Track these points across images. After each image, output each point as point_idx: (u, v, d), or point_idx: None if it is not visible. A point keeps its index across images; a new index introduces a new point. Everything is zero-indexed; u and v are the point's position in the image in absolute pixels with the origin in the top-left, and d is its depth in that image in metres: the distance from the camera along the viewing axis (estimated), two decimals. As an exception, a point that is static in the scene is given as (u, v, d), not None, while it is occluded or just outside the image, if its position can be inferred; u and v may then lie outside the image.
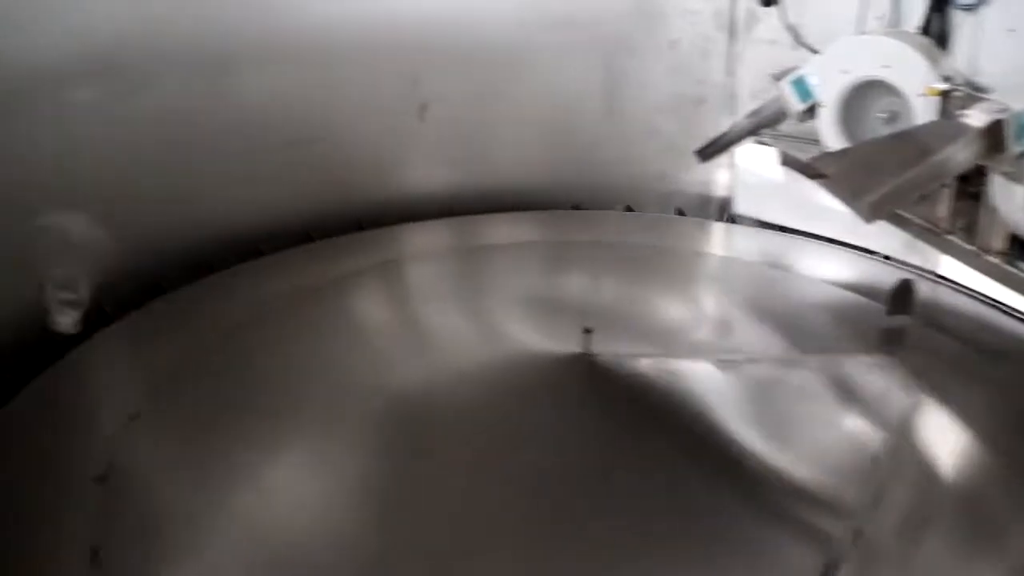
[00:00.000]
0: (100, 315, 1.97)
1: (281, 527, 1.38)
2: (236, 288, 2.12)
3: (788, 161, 2.33)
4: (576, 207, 2.63)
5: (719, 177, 2.58)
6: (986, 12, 1.97)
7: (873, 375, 1.75)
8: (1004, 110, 1.48)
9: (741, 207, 2.52)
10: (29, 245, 1.88)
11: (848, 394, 1.72)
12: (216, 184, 2.27)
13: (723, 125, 2.37)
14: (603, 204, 2.65)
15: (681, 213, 2.63)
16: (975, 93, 1.72)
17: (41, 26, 1.90)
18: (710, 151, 2.29)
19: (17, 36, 1.86)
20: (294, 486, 1.48)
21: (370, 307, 2.13)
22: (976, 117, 1.50)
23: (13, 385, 1.69)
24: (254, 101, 2.29)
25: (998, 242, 1.62)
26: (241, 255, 2.27)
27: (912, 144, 1.54)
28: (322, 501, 1.45)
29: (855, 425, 1.64)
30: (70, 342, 1.86)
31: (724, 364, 1.81)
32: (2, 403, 1.64)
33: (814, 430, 1.64)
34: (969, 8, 1.98)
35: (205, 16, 2.19)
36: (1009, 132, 1.44)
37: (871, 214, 1.46)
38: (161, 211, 2.17)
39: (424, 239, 2.42)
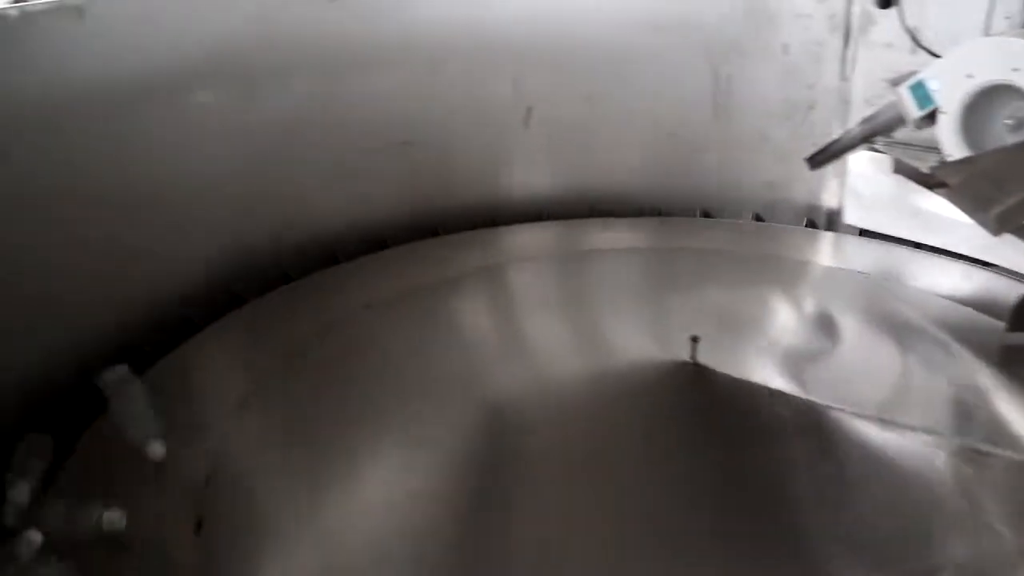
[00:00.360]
0: (232, 299, 2.07)
1: (369, 528, 1.39)
2: (338, 286, 2.16)
3: (902, 169, 2.25)
4: (705, 214, 2.59)
5: (830, 185, 2.50)
6: None
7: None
8: None
9: (852, 217, 2.43)
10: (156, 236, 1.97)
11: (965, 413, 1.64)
12: (324, 184, 2.33)
13: (835, 132, 2.30)
14: (712, 211, 2.60)
15: (792, 222, 2.56)
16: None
17: (172, 29, 1.99)
18: (821, 158, 2.22)
19: (149, 37, 1.95)
20: (387, 487, 1.49)
21: (472, 309, 2.14)
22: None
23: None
24: (362, 104, 2.34)
25: None
26: (344, 255, 2.32)
27: (1044, 153, 1.46)
28: (414, 504, 1.45)
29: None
30: (191, 328, 1.94)
31: (831, 377, 1.75)
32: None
33: (926, 448, 1.57)
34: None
35: (320, 21, 2.25)
36: None
37: (998, 226, 1.39)
38: (272, 209, 2.25)
39: (528, 242, 2.41)
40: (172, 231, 2.06)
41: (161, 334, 1.95)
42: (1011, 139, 1.78)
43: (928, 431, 1.58)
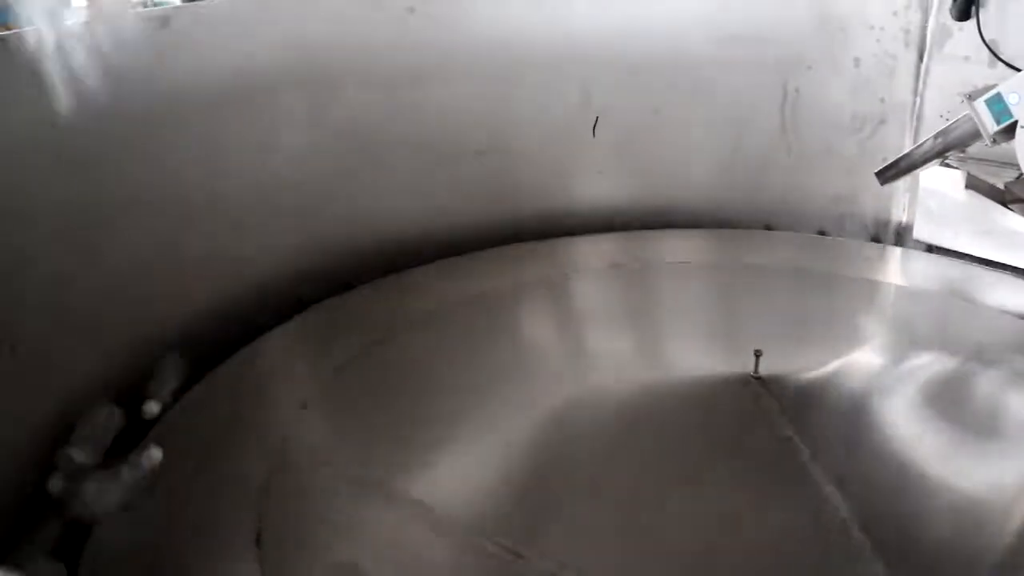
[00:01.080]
0: (297, 303, 2.11)
1: (423, 538, 1.39)
2: (406, 291, 2.19)
3: (976, 184, 2.21)
4: (767, 227, 2.58)
5: (900, 201, 2.46)
6: None
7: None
8: None
9: (922, 232, 2.39)
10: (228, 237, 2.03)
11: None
12: (397, 190, 2.37)
13: (906, 146, 2.28)
14: (778, 224, 2.58)
15: (859, 237, 2.53)
16: None
17: (252, 37, 2.06)
18: (891, 173, 2.19)
19: (230, 45, 2.02)
20: (444, 495, 1.48)
21: (536, 318, 2.15)
22: None
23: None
24: (437, 113, 2.38)
25: None
26: (422, 258, 2.34)
27: None
28: (472, 511, 1.44)
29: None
30: (256, 331, 1.99)
31: (897, 397, 1.72)
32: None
33: (994, 471, 1.54)
34: None
35: (398, 31, 2.30)
36: None
37: (1078, 243, 1.36)
38: (345, 214, 2.30)
39: (593, 252, 2.42)
40: (246, 232, 2.11)
41: (226, 335, 1.98)
42: (1092, 155, 1.74)
43: (999, 454, 1.55)
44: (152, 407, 1.68)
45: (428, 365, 1.88)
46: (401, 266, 2.31)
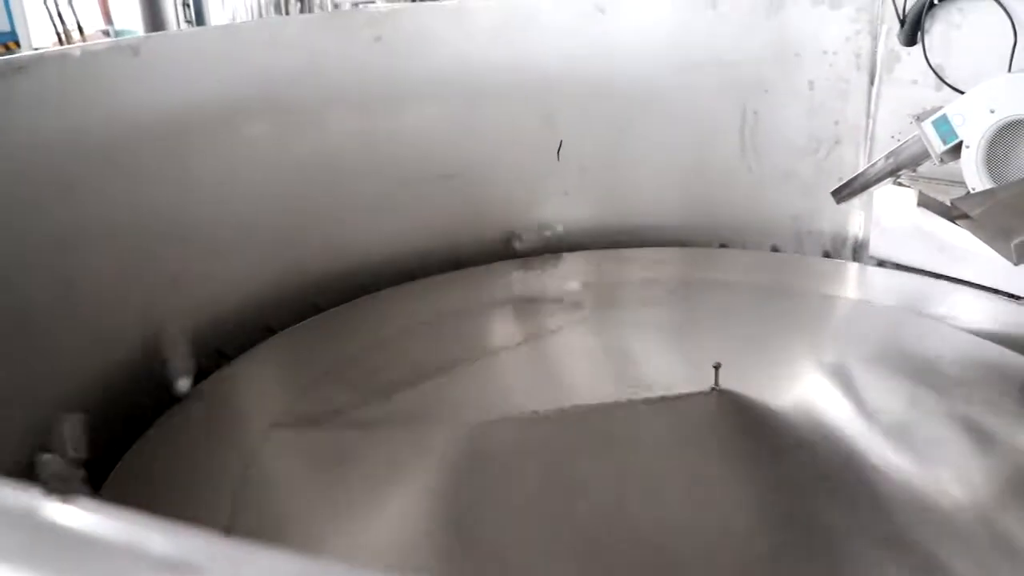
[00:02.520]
0: (265, 331, 2.14)
1: (394, 544, 1.42)
2: (379, 311, 2.23)
3: (926, 202, 2.29)
4: (716, 245, 2.64)
5: (855, 218, 2.54)
6: None
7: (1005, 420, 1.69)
8: None
9: (877, 249, 2.47)
10: (197, 265, 2.05)
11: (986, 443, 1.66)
12: (364, 215, 2.41)
13: (860, 166, 2.35)
14: (737, 243, 2.65)
15: (817, 254, 2.60)
16: None
17: (220, 66, 2.10)
18: (846, 192, 2.27)
19: (198, 74, 2.05)
20: (414, 507, 1.50)
21: (502, 337, 2.19)
22: None
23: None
24: (402, 139, 2.43)
25: None
26: (389, 281, 2.39)
27: (1063, 185, 1.50)
28: (443, 523, 1.46)
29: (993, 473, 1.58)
30: (226, 355, 2.01)
31: (855, 412, 1.77)
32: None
33: (953, 474, 1.59)
34: None
35: (364, 59, 2.35)
36: None
37: (1019, 256, 1.42)
38: (312, 240, 2.33)
39: (559, 272, 2.47)
40: (212, 260, 2.13)
41: (197, 361, 2.00)
42: (1034, 172, 1.83)
43: (946, 461, 1.61)
44: None
45: (400, 379, 1.91)
46: (370, 289, 2.35)
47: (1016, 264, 1.47)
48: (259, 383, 1.99)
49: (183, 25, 8.23)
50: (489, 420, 1.75)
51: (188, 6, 8.19)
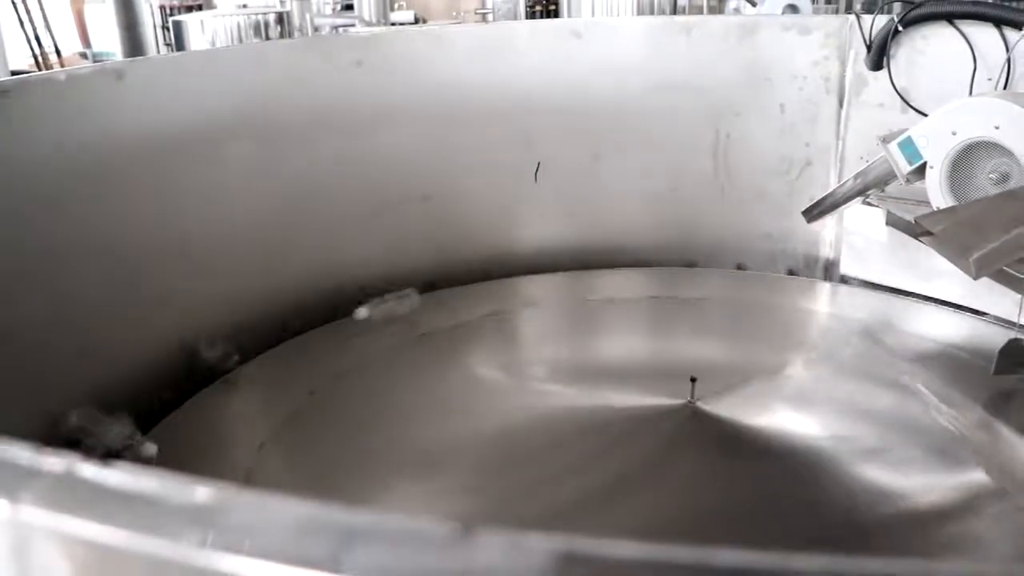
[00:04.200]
0: (241, 354, 2.14)
1: None
2: (356, 333, 2.25)
3: (894, 221, 2.35)
4: (690, 264, 2.69)
5: (826, 237, 2.60)
6: (1100, 75, 1.98)
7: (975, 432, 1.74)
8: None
9: (848, 268, 2.53)
10: (182, 283, 2.08)
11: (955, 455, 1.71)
12: (347, 237, 2.44)
13: (830, 187, 2.42)
14: (711, 262, 2.70)
15: (789, 272, 2.66)
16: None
17: (203, 89, 2.13)
18: (817, 212, 2.33)
19: (181, 97, 2.08)
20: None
21: (481, 355, 2.22)
22: (1087, 177, 1.51)
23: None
24: (384, 161, 2.46)
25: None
26: (365, 302, 2.39)
27: (1020, 202, 1.56)
28: None
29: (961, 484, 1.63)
30: (213, 375, 2.03)
31: (829, 426, 1.82)
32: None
33: (922, 487, 1.64)
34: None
35: (346, 82, 2.39)
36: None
37: (977, 270, 1.48)
38: (296, 261, 2.35)
39: (536, 292, 2.51)
40: (197, 279, 2.15)
41: (183, 379, 2.02)
42: (993, 191, 1.89)
43: (915, 473, 1.66)
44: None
45: (375, 401, 1.94)
46: (352, 310, 2.37)
47: (975, 278, 1.53)
48: (246, 402, 2.01)
49: (163, 49, 8.27)
50: (468, 437, 1.78)
51: (167, 29, 8.22)
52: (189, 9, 8.94)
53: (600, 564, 0.35)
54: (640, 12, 8.10)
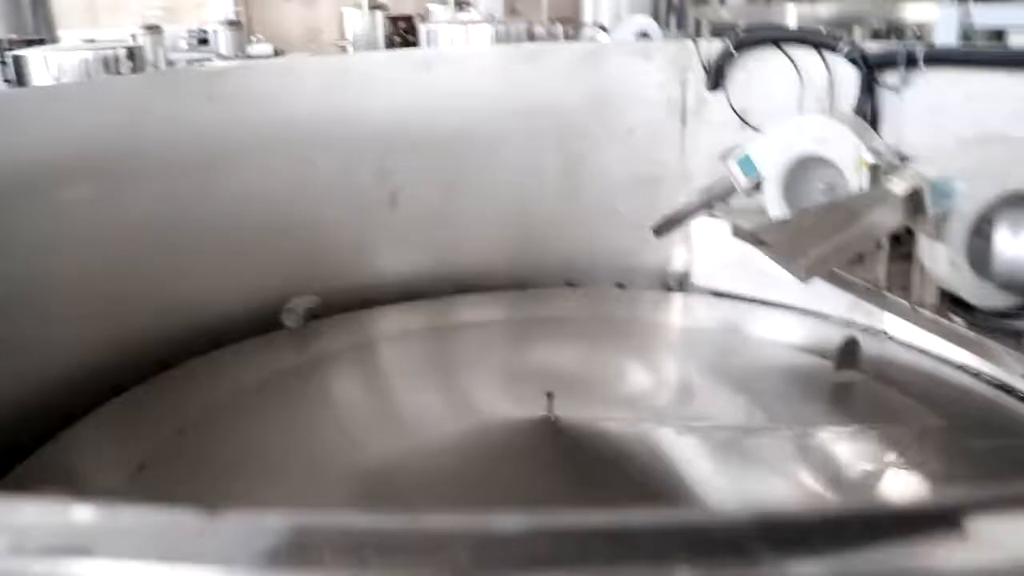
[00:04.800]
0: (113, 388, 2.08)
1: None
2: (218, 370, 2.21)
3: (739, 232, 2.48)
4: (544, 284, 2.75)
5: (676, 251, 2.72)
6: (908, 93, 2.16)
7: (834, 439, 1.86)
8: (923, 178, 1.63)
9: (699, 279, 2.65)
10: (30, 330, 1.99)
11: (806, 456, 1.82)
12: (199, 273, 2.37)
13: (678, 203, 2.53)
14: (564, 281, 2.77)
15: (641, 287, 2.76)
16: (899, 164, 1.89)
17: (41, 128, 2.04)
18: (665, 227, 2.44)
19: (17, 135, 2.00)
20: None
21: (345, 385, 2.22)
22: (899, 185, 1.65)
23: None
24: (238, 195, 2.42)
25: (930, 297, 1.75)
26: (224, 339, 2.35)
27: (843, 211, 1.69)
28: None
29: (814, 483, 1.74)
30: (69, 419, 1.95)
31: (685, 428, 1.91)
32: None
33: (774, 490, 1.73)
34: (894, 89, 2.18)
35: (197, 117, 2.35)
36: (927, 198, 1.59)
37: (805, 274, 1.59)
38: (149, 299, 2.27)
39: (396, 321, 2.52)
40: (46, 324, 2.06)
41: (39, 424, 1.94)
42: (823, 201, 2.03)
43: (767, 467, 1.76)
44: None
45: (244, 438, 1.91)
46: (217, 344, 2.32)
47: (803, 281, 1.65)
48: (107, 443, 1.94)
49: (1, 85, 7.84)
50: (338, 464, 1.78)
51: (5, 64, 7.80)
52: (30, 43, 8.52)
53: (332, 533, 0.39)
54: (498, 42, 8.23)
